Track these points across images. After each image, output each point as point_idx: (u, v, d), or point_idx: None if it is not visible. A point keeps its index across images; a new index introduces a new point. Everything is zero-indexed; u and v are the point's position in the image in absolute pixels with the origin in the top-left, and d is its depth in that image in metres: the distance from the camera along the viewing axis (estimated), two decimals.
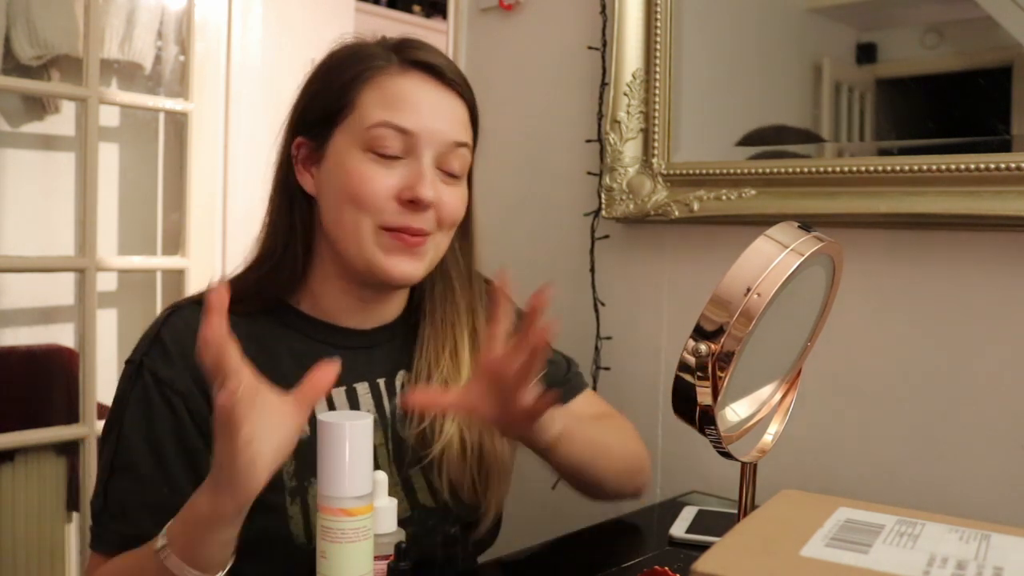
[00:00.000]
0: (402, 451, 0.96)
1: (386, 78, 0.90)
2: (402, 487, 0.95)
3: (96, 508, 0.87)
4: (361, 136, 0.89)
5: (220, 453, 0.69)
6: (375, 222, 0.89)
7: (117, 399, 0.90)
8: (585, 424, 1.00)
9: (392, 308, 1.00)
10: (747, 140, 1.26)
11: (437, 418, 0.95)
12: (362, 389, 0.96)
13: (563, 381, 1.09)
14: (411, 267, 0.91)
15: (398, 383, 0.99)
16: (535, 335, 0.77)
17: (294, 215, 0.94)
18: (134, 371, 0.89)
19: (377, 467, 0.92)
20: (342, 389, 0.95)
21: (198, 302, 0.91)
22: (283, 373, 0.82)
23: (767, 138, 1.25)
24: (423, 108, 0.90)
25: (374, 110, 0.89)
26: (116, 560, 0.84)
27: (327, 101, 0.92)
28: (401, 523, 0.92)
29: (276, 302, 0.95)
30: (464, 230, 1.01)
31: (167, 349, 0.89)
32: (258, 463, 0.68)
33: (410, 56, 0.92)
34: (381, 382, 0.98)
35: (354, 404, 0.95)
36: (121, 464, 0.86)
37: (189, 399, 0.87)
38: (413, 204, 0.89)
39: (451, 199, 0.92)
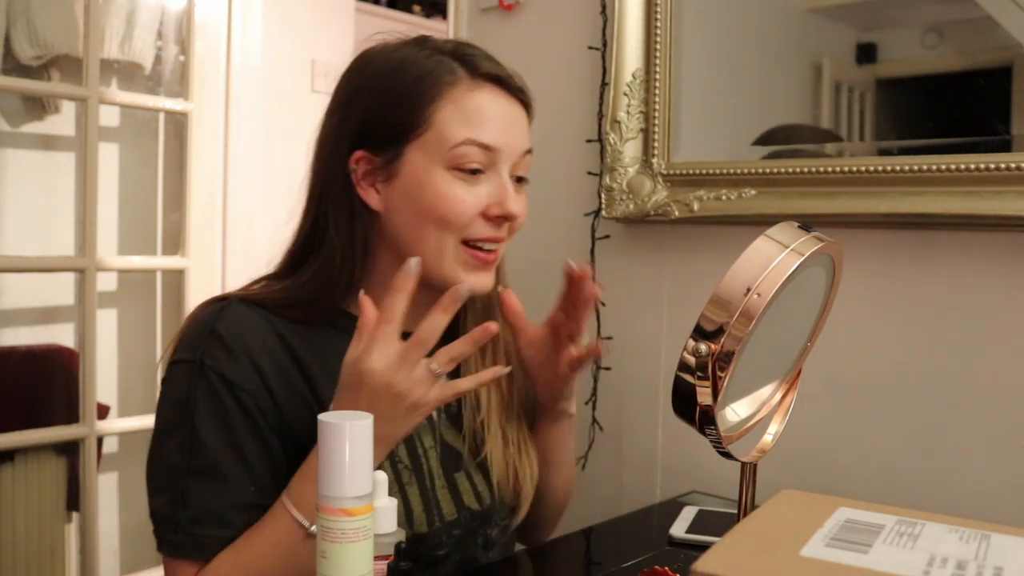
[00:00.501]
0: (449, 455, 0.97)
1: (461, 93, 0.89)
2: (449, 491, 0.95)
3: (173, 515, 0.84)
4: (444, 155, 0.88)
5: (391, 412, 0.80)
6: (459, 238, 0.90)
7: (179, 401, 0.86)
8: (574, 432, 1.07)
9: None
10: (763, 140, 1.26)
11: (483, 419, 0.98)
12: None
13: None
14: (487, 280, 0.94)
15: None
16: (588, 289, 0.92)
17: (355, 229, 0.91)
18: (195, 371, 0.86)
19: (429, 470, 0.94)
20: None
21: (243, 300, 0.90)
22: (334, 375, 0.86)
23: (781, 138, 1.25)
24: (500, 122, 0.90)
25: (455, 128, 0.88)
26: (227, 560, 0.83)
27: (397, 117, 0.89)
28: (447, 526, 0.93)
29: (334, 311, 0.93)
30: None
31: (229, 347, 0.86)
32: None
33: (478, 68, 0.90)
34: None
35: None
36: (201, 468, 0.84)
37: (259, 398, 0.86)
38: (501, 219, 0.90)
39: (524, 206, 0.94)
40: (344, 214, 0.91)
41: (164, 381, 0.89)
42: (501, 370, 0.86)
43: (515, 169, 0.92)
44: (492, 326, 0.83)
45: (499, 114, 0.90)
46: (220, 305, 0.90)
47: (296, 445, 0.87)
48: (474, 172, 0.89)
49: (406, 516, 0.91)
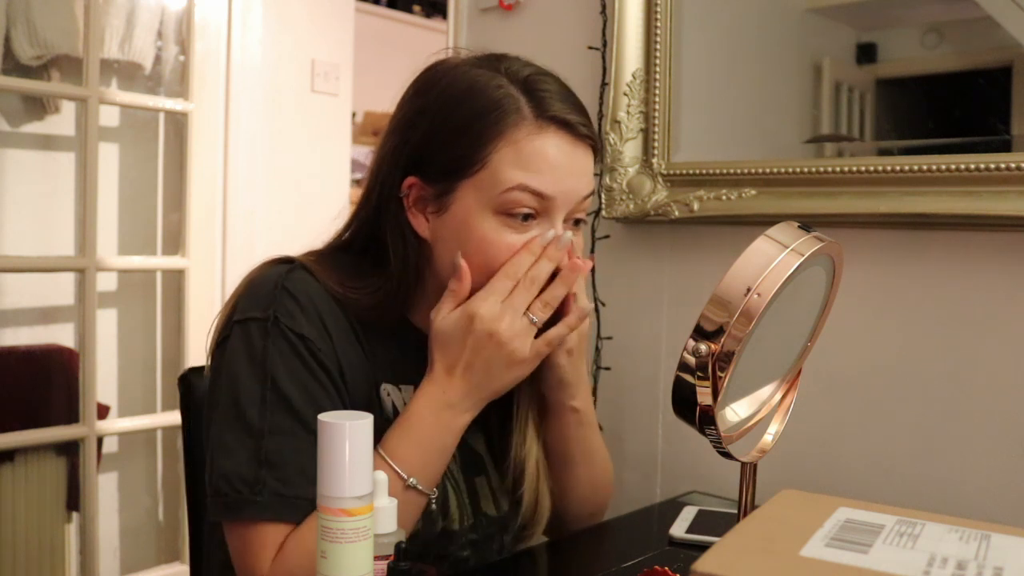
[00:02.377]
0: (469, 458, 0.97)
1: (522, 136, 0.85)
2: (468, 495, 0.95)
3: (256, 476, 0.81)
4: (494, 198, 0.85)
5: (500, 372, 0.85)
6: None
7: (253, 358, 0.84)
8: (594, 427, 1.02)
9: None
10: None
11: (520, 425, 0.97)
12: None
13: None
14: None
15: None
16: (570, 265, 0.87)
17: (408, 254, 0.90)
18: (269, 328, 0.84)
19: (449, 471, 0.94)
20: (411, 388, 0.95)
21: (304, 267, 0.89)
22: (379, 360, 0.91)
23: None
24: (560, 169, 0.86)
25: (510, 171, 0.84)
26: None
27: (454, 151, 0.86)
28: (464, 531, 0.93)
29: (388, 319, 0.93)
30: None
31: (301, 304, 0.85)
32: None
33: (547, 109, 0.86)
34: None
35: None
36: (285, 425, 0.82)
37: (330, 356, 0.86)
38: None
39: (575, 247, 0.91)
40: (399, 238, 0.90)
41: (227, 339, 0.86)
42: (586, 309, 0.90)
43: (572, 213, 0.89)
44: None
45: (560, 161, 0.86)
46: (286, 267, 0.88)
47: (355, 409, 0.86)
48: (525, 218, 0.86)
49: (441, 511, 0.92)
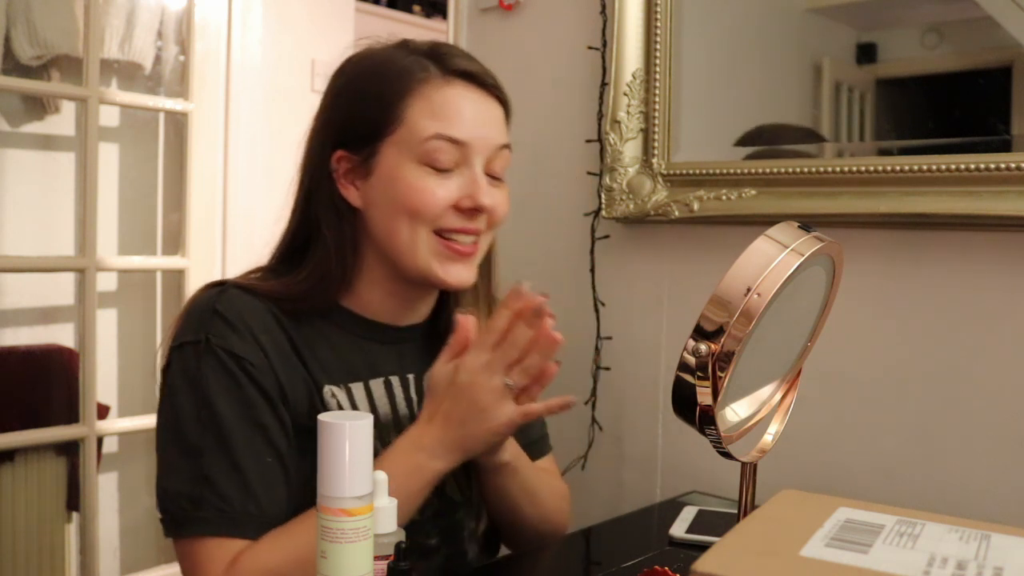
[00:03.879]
0: None
1: (431, 89, 0.91)
2: None
3: (198, 494, 0.83)
4: (414, 149, 0.90)
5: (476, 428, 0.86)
6: (431, 228, 0.92)
7: (189, 381, 0.87)
8: (530, 468, 1.01)
9: (426, 308, 1.02)
10: (745, 140, 1.26)
11: None
12: (396, 382, 0.98)
13: (538, 439, 1.11)
14: (466, 273, 0.95)
15: (425, 382, 1.00)
16: (544, 336, 0.87)
17: (343, 228, 0.94)
18: (202, 350, 0.87)
19: None
20: (380, 380, 0.97)
21: (239, 286, 0.92)
22: (322, 363, 0.92)
23: (765, 137, 1.25)
24: (471, 117, 0.92)
25: (425, 123, 0.90)
26: (277, 538, 0.83)
27: (371, 116, 0.92)
28: (428, 517, 0.94)
29: (329, 306, 0.96)
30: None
31: (232, 324, 0.88)
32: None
33: (449, 65, 0.93)
34: (411, 377, 1.00)
35: (391, 396, 0.97)
36: (221, 443, 0.84)
37: (265, 373, 0.88)
38: (472, 212, 0.92)
39: (500, 200, 0.95)
40: (332, 213, 0.94)
41: (168, 366, 0.90)
42: (571, 400, 0.90)
43: (490, 164, 0.94)
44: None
45: (470, 109, 0.92)
46: (218, 288, 0.92)
47: (296, 423, 0.89)
48: (446, 168, 0.91)
49: None
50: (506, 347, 0.86)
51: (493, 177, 0.95)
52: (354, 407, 0.93)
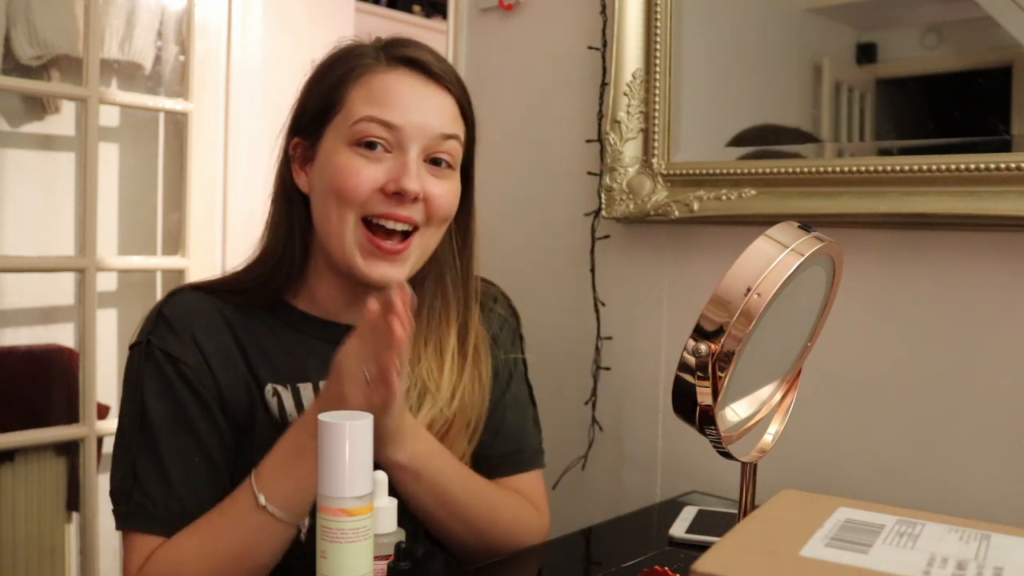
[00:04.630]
0: None
1: (372, 75, 0.92)
2: None
3: (126, 488, 0.87)
4: (347, 132, 0.91)
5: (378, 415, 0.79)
6: (358, 215, 0.90)
7: (130, 382, 0.91)
8: (445, 474, 0.93)
9: None
10: (739, 140, 1.26)
11: (414, 413, 0.96)
12: None
13: (515, 451, 1.05)
14: (392, 271, 0.91)
15: None
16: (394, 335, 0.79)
17: (292, 214, 0.96)
18: (143, 352, 0.91)
19: None
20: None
21: (195, 288, 0.95)
22: (271, 362, 0.93)
23: (759, 138, 1.25)
24: (409, 102, 0.91)
25: (360, 106, 0.91)
26: (187, 533, 0.86)
27: (319, 101, 0.94)
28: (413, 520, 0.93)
29: (274, 299, 0.97)
30: (464, 230, 1.02)
31: (172, 326, 0.91)
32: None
33: (396, 52, 0.94)
34: None
35: None
36: (149, 441, 0.88)
37: (201, 372, 0.90)
38: (398, 196, 0.89)
39: (441, 191, 0.93)
40: (284, 200, 0.96)
41: (125, 367, 0.94)
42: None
43: (429, 152, 0.92)
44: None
45: (409, 94, 0.92)
46: (170, 293, 0.95)
47: (234, 422, 0.91)
48: (372, 146, 0.90)
49: None
50: (369, 337, 0.82)
51: (436, 164, 0.93)
52: (299, 407, 0.92)
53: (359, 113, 0.90)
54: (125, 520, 0.88)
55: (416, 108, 0.91)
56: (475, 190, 1.02)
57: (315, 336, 0.96)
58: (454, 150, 0.94)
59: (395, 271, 0.91)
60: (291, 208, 0.96)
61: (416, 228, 0.92)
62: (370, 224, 0.90)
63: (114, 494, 0.89)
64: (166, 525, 0.86)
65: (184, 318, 0.92)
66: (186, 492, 0.87)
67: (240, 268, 0.99)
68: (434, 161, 0.93)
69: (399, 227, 0.91)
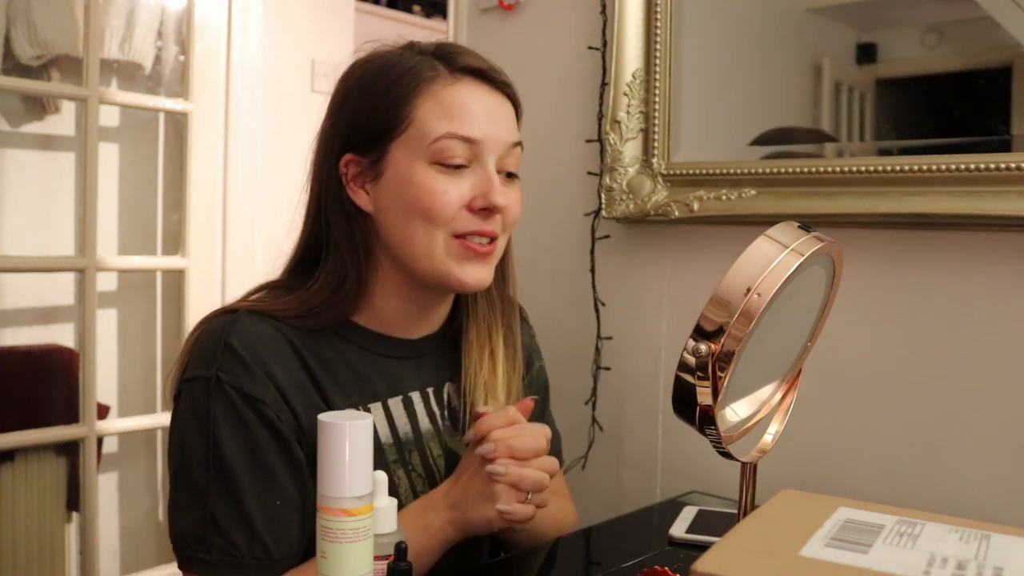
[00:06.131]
0: (454, 461, 0.97)
1: (440, 88, 0.89)
2: None
3: (204, 536, 0.83)
4: (425, 150, 0.88)
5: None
6: (448, 232, 0.89)
7: (198, 419, 0.85)
8: (540, 519, 0.97)
9: (440, 316, 1.01)
10: (760, 141, 1.26)
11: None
12: (416, 398, 0.97)
13: (556, 452, 1.09)
14: (484, 273, 0.92)
15: (445, 394, 1.00)
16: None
17: (355, 233, 0.92)
18: (212, 387, 0.84)
19: (442, 478, 0.95)
20: (399, 399, 0.95)
21: (254, 312, 0.89)
22: (341, 386, 0.90)
23: (779, 139, 1.25)
24: (481, 114, 0.90)
25: (435, 122, 0.88)
26: None
27: (379, 117, 0.90)
28: None
29: (343, 319, 0.93)
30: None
31: (244, 360, 0.85)
32: None
33: (457, 63, 0.91)
34: (431, 391, 0.99)
35: (411, 413, 0.96)
36: (227, 486, 0.83)
37: (279, 409, 0.85)
38: (486, 211, 0.89)
39: (515, 200, 0.93)
40: (343, 218, 0.92)
41: (178, 398, 0.88)
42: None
43: (502, 162, 0.92)
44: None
45: (480, 106, 0.90)
46: (230, 318, 0.88)
47: (312, 452, 0.86)
48: (457, 167, 0.89)
49: None
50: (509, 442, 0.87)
51: (507, 175, 0.93)
52: (374, 428, 0.91)
53: (438, 130, 0.88)
54: (208, 568, 0.82)
55: (489, 119, 0.90)
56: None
57: (382, 353, 0.95)
58: (519, 156, 0.94)
59: (485, 272, 0.92)
60: (352, 228, 0.92)
61: (497, 237, 0.93)
62: (456, 237, 0.90)
63: (185, 539, 0.84)
64: (253, 572, 0.83)
65: (255, 350, 0.85)
66: (270, 537, 0.83)
67: (275, 289, 0.95)
68: (505, 170, 0.93)
69: (486, 240, 0.91)
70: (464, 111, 0.89)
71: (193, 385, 0.86)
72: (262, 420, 0.84)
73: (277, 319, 0.89)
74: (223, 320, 0.88)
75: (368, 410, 0.92)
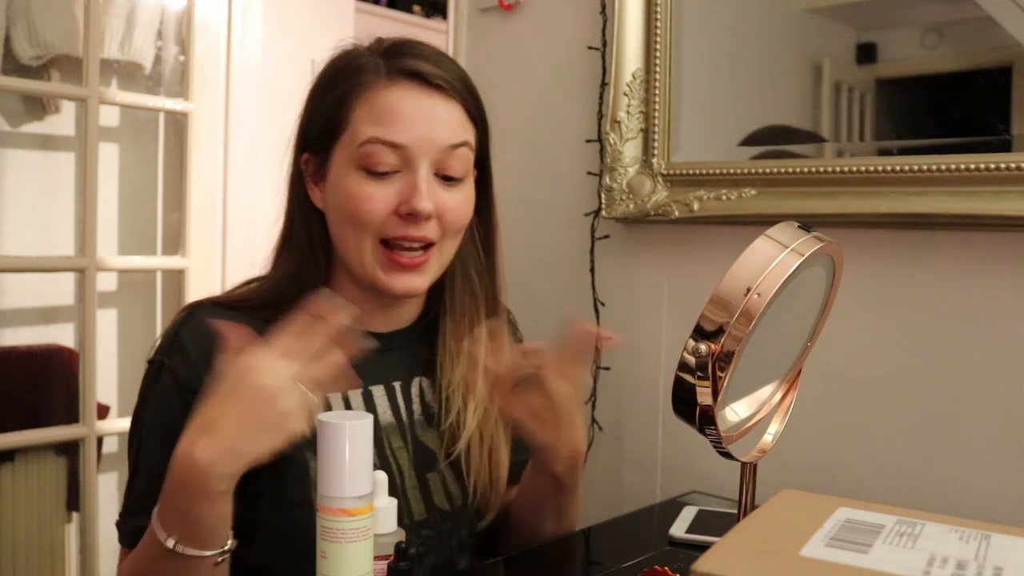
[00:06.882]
0: (421, 454, 0.97)
1: (373, 92, 0.89)
2: (420, 490, 0.96)
3: (124, 505, 0.90)
4: (354, 154, 0.89)
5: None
6: (376, 237, 0.90)
7: (140, 398, 0.91)
8: (574, 493, 1.01)
9: (411, 310, 1.01)
10: (750, 140, 1.26)
11: (460, 415, 0.97)
12: (378, 392, 0.97)
13: None
14: (414, 282, 0.92)
15: (414, 389, 1.00)
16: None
17: (312, 229, 0.94)
18: (155, 371, 0.90)
19: (399, 469, 0.94)
20: (359, 391, 0.95)
21: (217, 303, 0.93)
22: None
23: (770, 139, 1.25)
24: (413, 119, 0.89)
25: (364, 127, 0.89)
26: (132, 554, 0.85)
27: (324, 118, 0.92)
28: (419, 525, 0.94)
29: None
30: (486, 224, 1.02)
31: (186, 349, 0.89)
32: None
33: (397, 65, 0.90)
34: (397, 386, 0.99)
35: (370, 406, 0.96)
36: (137, 462, 0.89)
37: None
38: (412, 217, 0.89)
39: (454, 204, 0.92)
40: (302, 215, 0.95)
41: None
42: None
43: (441, 166, 0.91)
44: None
45: (412, 111, 0.89)
46: (190, 309, 0.93)
47: None
48: (384, 173, 0.89)
49: None
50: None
51: (448, 179, 0.92)
52: None
53: (364, 135, 0.88)
54: (118, 531, 0.90)
55: (421, 123, 0.89)
56: (493, 183, 1.02)
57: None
58: (464, 157, 0.93)
59: (417, 280, 0.92)
60: (310, 223, 0.94)
61: (433, 243, 0.91)
62: (387, 243, 0.90)
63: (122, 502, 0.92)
64: (135, 544, 0.84)
65: (201, 341, 0.87)
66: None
67: (258, 282, 0.97)
68: (445, 173, 0.91)
69: (416, 245, 0.91)
70: (393, 116, 0.88)
71: (148, 368, 0.92)
72: (187, 408, 0.81)
73: (240, 310, 0.92)
74: (185, 312, 0.93)
75: (326, 400, 0.91)
